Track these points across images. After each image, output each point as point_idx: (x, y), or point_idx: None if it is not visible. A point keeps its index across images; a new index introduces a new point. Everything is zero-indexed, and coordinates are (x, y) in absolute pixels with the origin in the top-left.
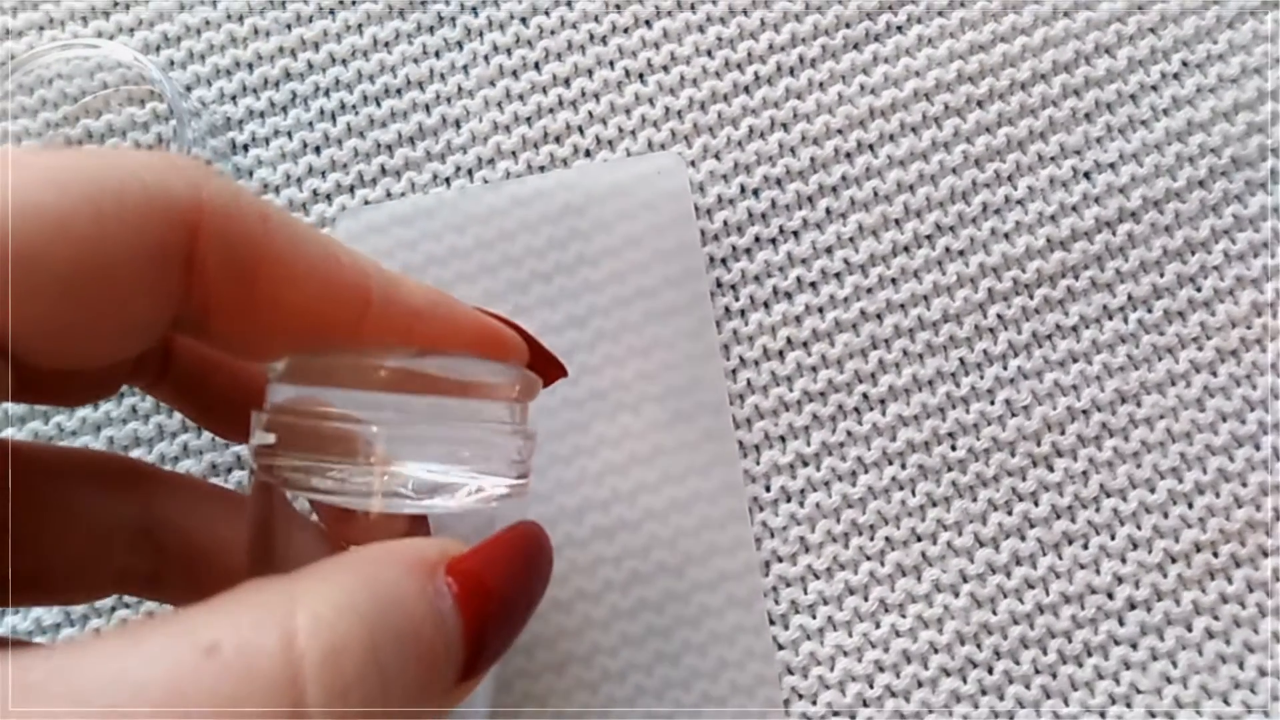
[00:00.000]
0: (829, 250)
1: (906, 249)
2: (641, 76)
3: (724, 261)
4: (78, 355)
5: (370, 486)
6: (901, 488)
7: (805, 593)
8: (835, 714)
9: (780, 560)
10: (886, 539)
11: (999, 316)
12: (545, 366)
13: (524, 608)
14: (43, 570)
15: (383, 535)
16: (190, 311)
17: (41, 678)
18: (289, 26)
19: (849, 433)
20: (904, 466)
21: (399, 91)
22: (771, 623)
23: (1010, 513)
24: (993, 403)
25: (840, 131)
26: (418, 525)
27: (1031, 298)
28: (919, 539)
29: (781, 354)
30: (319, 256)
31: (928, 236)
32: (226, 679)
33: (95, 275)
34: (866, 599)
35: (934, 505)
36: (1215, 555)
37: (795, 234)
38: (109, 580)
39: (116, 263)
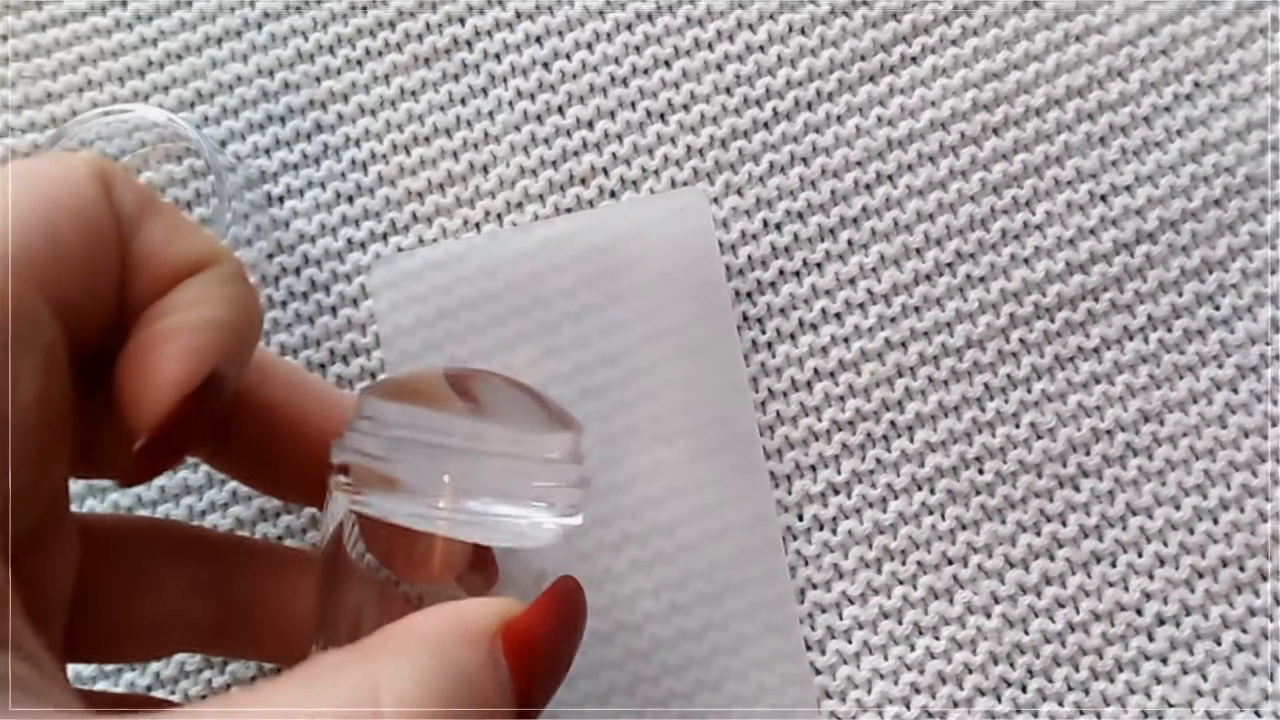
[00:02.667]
0: (852, 281)
1: (928, 277)
2: (663, 116)
3: (749, 295)
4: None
5: (438, 519)
6: (931, 512)
7: (840, 618)
8: None
9: (815, 587)
10: (918, 563)
11: (1021, 341)
12: None
13: (566, 664)
14: (115, 633)
15: (448, 576)
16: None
17: None
18: (318, 79)
19: (878, 460)
20: (933, 491)
21: (427, 140)
22: (808, 648)
23: (1039, 534)
24: (1018, 426)
25: (859, 164)
26: (477, 579)
27: (1053, 321)
28: (950, 562)
29: (809, 385)
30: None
31: (949, 264)
32: None
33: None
34: (900, 623)
35: (963, 529)
36: (1242, 569)
37: (818, 266)
38: (175, 640)
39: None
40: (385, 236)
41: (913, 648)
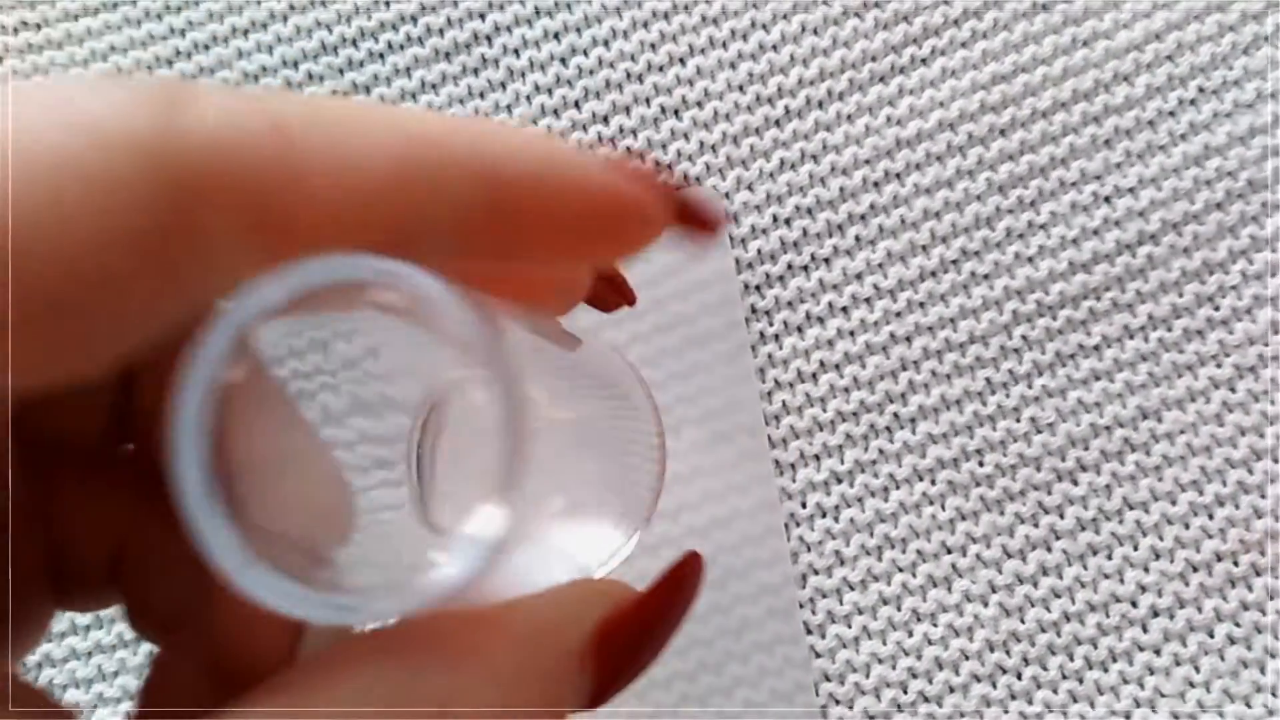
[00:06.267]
0: (859, 276)
1: (933, 274)
2: (677, 112)
3: (758, 289)
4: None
5: None
6: (932, 503)
7: (841, 604)
8: (871, 719)
9: (816, 573)
10: (918, 552)
11: (1023, 337)
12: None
13: (655, 659)
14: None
15: None
16: (214, 275)
17: None
18: (341, 71)
19: (881, 450)
20: (934, 482)
21: None
22: (809, 632)
23: (1037, 525)
24: (1019, 420)
25: (868, 162)
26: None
27: (1055, 319)
28: (949, 551)
29: (815, 376)
30: (361, 154)
31: (954, 261)
32: None
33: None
34: (899, 609)
35: (963, 519)
36: (1236, 564)
37: (826, 261)
38: None
39: (98, 268)
40: None
41: (911, 634)
